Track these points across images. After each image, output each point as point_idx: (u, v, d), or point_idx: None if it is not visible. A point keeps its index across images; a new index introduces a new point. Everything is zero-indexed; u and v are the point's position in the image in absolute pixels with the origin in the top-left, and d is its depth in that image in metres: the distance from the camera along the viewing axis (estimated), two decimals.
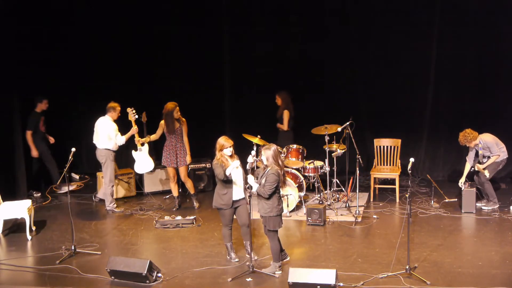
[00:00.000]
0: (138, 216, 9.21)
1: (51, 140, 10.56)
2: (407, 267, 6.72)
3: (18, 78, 10.03)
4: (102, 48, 10.96)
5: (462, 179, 8.96)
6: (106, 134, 9.20)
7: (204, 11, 10.86)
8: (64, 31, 10.94)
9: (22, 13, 10.14)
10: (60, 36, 10.92)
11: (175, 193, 9.49)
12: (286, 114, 10.02)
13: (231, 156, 7.04)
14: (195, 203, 9.52)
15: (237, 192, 7.13)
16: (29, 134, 10.16)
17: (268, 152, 6.74)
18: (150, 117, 9.58)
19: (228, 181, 7.02)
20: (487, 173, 8.84)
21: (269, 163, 6.73)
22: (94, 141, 9.40)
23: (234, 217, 7.28)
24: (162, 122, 9.19)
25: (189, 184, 9.46)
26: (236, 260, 7.31)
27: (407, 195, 7.32)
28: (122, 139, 9.23)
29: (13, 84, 9.92)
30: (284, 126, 10.04)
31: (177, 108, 9.09)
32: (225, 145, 7.00)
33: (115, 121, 9.33)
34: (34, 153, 10.23)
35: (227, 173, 6.91)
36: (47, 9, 10.64)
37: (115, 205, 9.42)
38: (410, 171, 6.85)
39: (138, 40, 10.95)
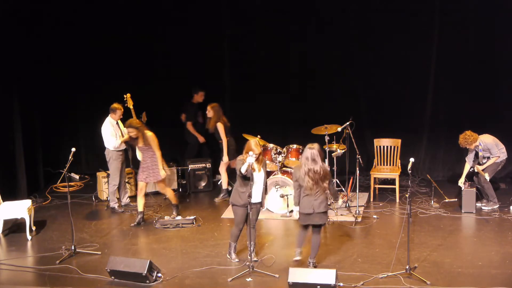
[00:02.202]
0: None
1: (201, 138, 10.72)
2: (407, 267, 6.72)
3: (18, 79, 10.03)
4: (102, 48, 10.94)
5: (462, 179, 8.96)
6: (103, 134, 9.22)
7: (204, 11, 10.86)
8: (64, 31, 10.92)
9: (22, 13, 10.14)
10: (60, 36, 10.91)
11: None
12: (220, 127, 9.56)
13: (256, 161, 7.02)
14: (174, 212, 8.98)
15: (255, 195, 7.08)
16: (189, 124, 10.58)
17: (303, 154, 7.06)
18: (150, 117, 9.57)
19: (246, 179, 7.00)
20: (487, 176, 8.83)
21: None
22: None
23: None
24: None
25: (169, 194, 9.00)
26: (236, 260, 7.30)
27: (407, 195, 7.30)
28: (116, 143, 9.15)
29: (13, 85, 9.91)
30: (223, 138, 9.59)
31: (132, 129, 8.51)
32: (254, 150, 7.00)
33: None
34: (201, 138, 10.61)
35: (243, 171, 6.91)
36: (48, 9, 10.64)
37: (117, 204, 9.42)
38: (410, 171, 6.85)
39: (138, 41, 10.94)
